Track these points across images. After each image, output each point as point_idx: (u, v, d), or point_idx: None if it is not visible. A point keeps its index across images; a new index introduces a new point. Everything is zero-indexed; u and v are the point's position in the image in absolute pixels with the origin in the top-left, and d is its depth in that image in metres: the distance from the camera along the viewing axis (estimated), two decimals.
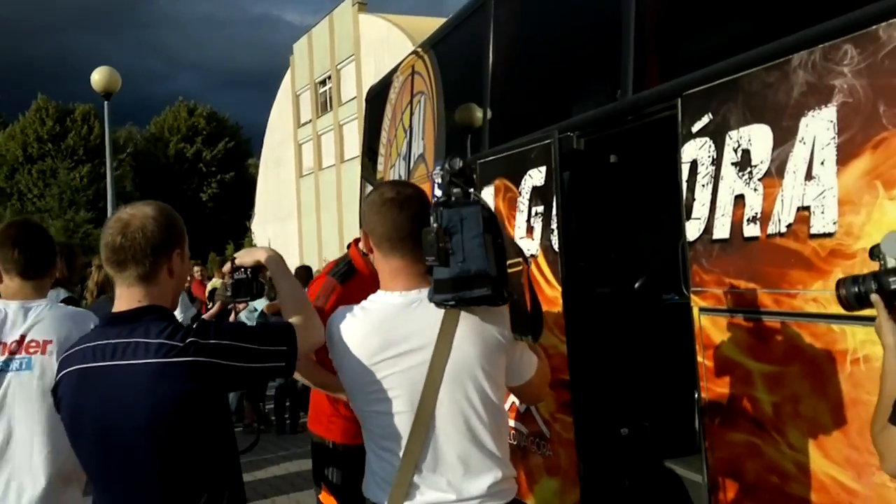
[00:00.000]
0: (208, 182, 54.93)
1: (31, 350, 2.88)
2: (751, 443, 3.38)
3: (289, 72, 46.09)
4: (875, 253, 2.16)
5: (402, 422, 2.20)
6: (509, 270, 2.16)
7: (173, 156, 54.46)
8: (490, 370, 2.22)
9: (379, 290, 2.34)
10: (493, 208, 2.23)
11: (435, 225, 2.13)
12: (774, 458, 3.25)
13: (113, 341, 2.09)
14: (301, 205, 44.27)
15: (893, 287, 2.08)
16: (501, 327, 2.24)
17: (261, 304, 9.36)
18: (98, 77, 13.15)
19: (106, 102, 13.62)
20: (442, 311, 2.18)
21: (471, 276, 2.08)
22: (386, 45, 33.26)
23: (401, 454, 2.20)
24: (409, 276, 2.27)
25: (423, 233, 2.15)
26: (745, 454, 3.42)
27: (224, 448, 2.20)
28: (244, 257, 2.60)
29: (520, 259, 2.26)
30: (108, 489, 2.13)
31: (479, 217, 2.12)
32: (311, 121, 43.14)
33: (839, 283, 2.23)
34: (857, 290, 2.15)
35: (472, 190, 2.21)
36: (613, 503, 4.63)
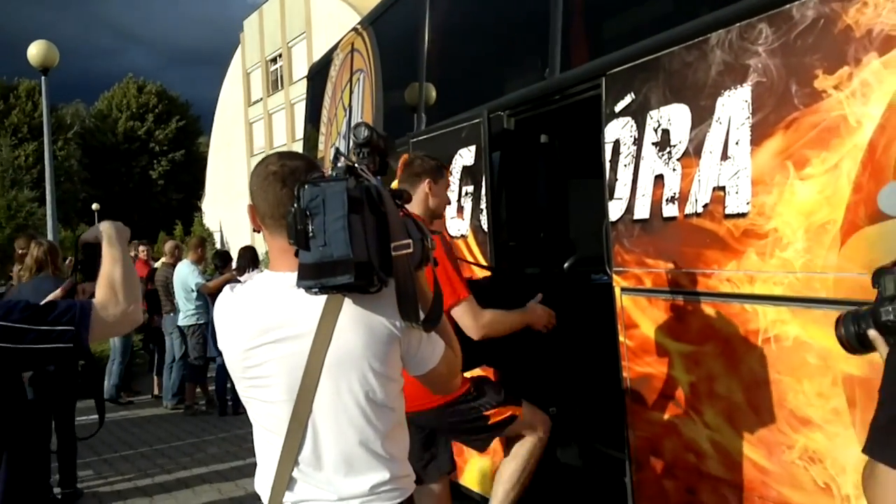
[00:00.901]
0: (158, 160, 54.16)
1: None
2: (670, 422, 3.40)
3: (239, 49, 45.47)
4: (876, 279, 1.84)
5: (281, 412, 2.04)
6: (395, 254, 1.96)
7: (122, 134, 53.54)
8: (378, 362, 2.05)
9: (266, 270, 2.19)
10: (379, 184, 2.00)
11: (294, 205, 1.95)
12: (692, 436, 3.27)
13: None
14: None
15: (885, 319, 1.79)
16: (391, 315, 2.04)
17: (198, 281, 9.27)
18: (35, 51, 12.74)
19: (43, 77, 13.22)
20: (324, 298, 2.01)
21: (333, 261, 1.90)
22: (337, 22, 32.90)
23: (280, 446, 2.05)
24: (294, 257, 2.02)
25: (286, 213, 1.99)
26: (665, 433, 3.44)
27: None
28: (87, 235, 2.49)
29: (408, 241, 1.99)
30: None
31: (342, 196, 1.91)
32: (261, 99, 42.66)
33: (838, 322, 1.93)
34: (855, 328, 1.86)
35: (357, 165, 2.01)
36: (543, 481, 4.64)
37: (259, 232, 2.20)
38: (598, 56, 3.90)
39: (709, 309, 3.13)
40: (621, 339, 3.67)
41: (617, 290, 3.66)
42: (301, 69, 37.63)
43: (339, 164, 1.99)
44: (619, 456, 4.28)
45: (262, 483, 2.12)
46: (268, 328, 2.03)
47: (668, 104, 3.29)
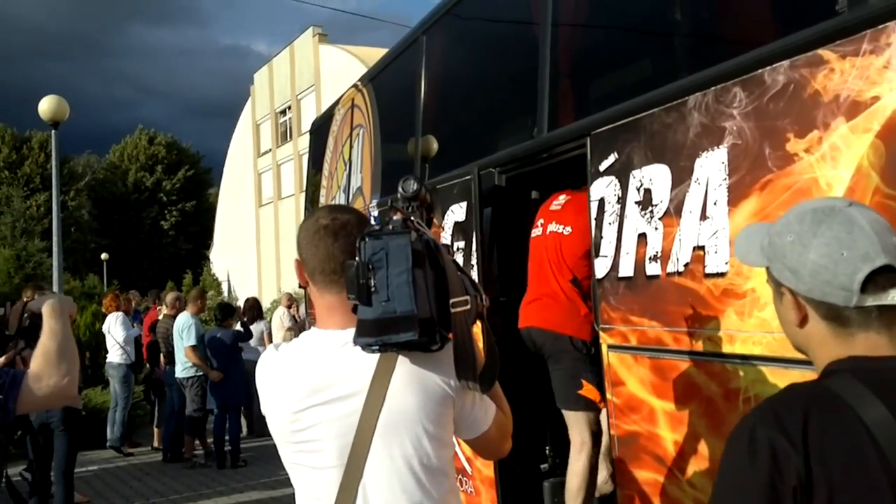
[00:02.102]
0: (169, 210, 54.60)
1: None
2: (655, 481, 3.38)
3: (249, 101, 46.02)
4: None
5: (331, 478, 1.93)
6: (453, 310, 1.87)
7: (132, 184, 54.06)
8: (432, 425, 1.95)
9: (312, 328, 2.09)
10: (438, 240, 1.95)
11: (357, 259, 1.87)
12: (677, 496, 3.25)
13: None
14: (260, 234, 44.01)
15: None
16: (447, 374, 1.94)
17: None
18: (46, 106, 12.94)
19: (53, 131, 13.43)
20: (377, 355, 1.91)
21: (395, 317, 1.81)
22: (345, 75, 33.28)
23: None
24: (345, 313, 1.96)
25: (345, 266, 1.90)
26: (650, 492, 3.42)
27: None
28: (34, 304, 2.47)
29: (467, 297, 1.90)
30: None
31: (406, 250, 1.83)
32: (270, 150, 43.06)
33: None
34: None
35: (413, 218, 1.93)
36: None
37: (305, 287, 2.12)
38: (584, 116, 3.96)
39: (691, 368, 3.14)
40: (608, 396, 3.67)
41: (604, 347, 3.67)
42: (310, 121, 37.91)
43: (394, 217, 1.92)
44: None
45: None
46: (317, 389, 1.95)
47: (649, 164, 3.34)
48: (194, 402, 9.38)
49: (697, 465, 3.13)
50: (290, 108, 41.07)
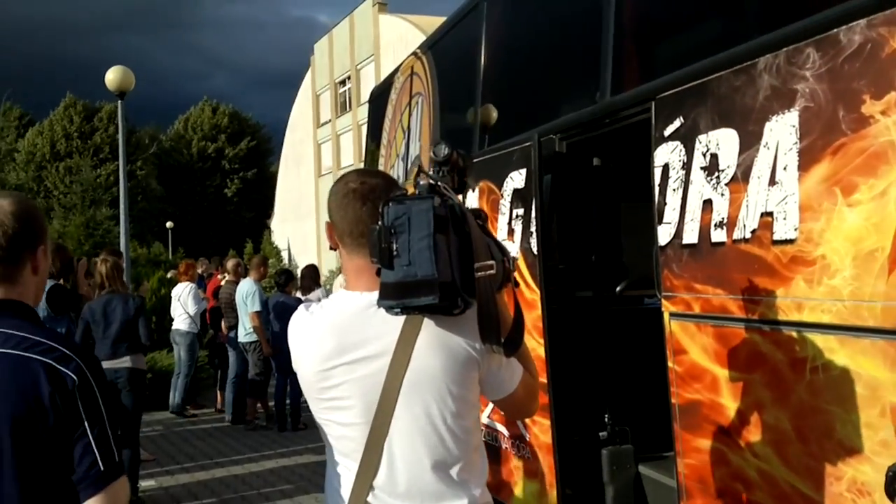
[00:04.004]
0: (231, 179, 55.47)
1: None
2: (717, 449, 3.34)
3: (309, 72, 46.28)
4: None
5: (358, 434, 1.99)
6: (477, 275, 1.88)
7: (196, 153, 54.99)
8: (456, 386, 1.99)
9: (341, 289, 2.14)
10: (468, 205, 1.98)
11: (380, 223, 1.89)
12: (739, 465, 3.21)
13: None
14: (320, 204, 44.41)
15: None
16: (471, 337, 1.97)
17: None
18: (112, 76, 13.18)
19: (120, 101, 13.67)
20: (403, 317, 1.95)
21: (416, 281, 1.83)
22: (405, 45, 33.25)
23: (356, 470, 2.00)
24: (373, 276, 1.96)
25: (369, 230, 1.93)
26: (713, 461, 3.38)
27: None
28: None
29: (492, 262, 1.92)
30: None
31: (429, 215, 1.85)
32: (330, 120, 43.31)
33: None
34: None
35: (439, 183, 1.95)
36: None
37: (336, 250, 2.16)
38: (648, 80, 3.88)
39: (756, 336, 3.08)
40: (670, 364, 3.63)
41: (666, 315, 3.62)
42: (369, 91, 38.15)
43: (421, 182, 1.94)
44: (668, 483, 4.23)
45: None
46: (345, 349, 1.99)
47: (716, 129, 3.26)
48: (257, 366, 9.57)
49: (761, 434, 3.08)
50: (349, 78, 41.20)
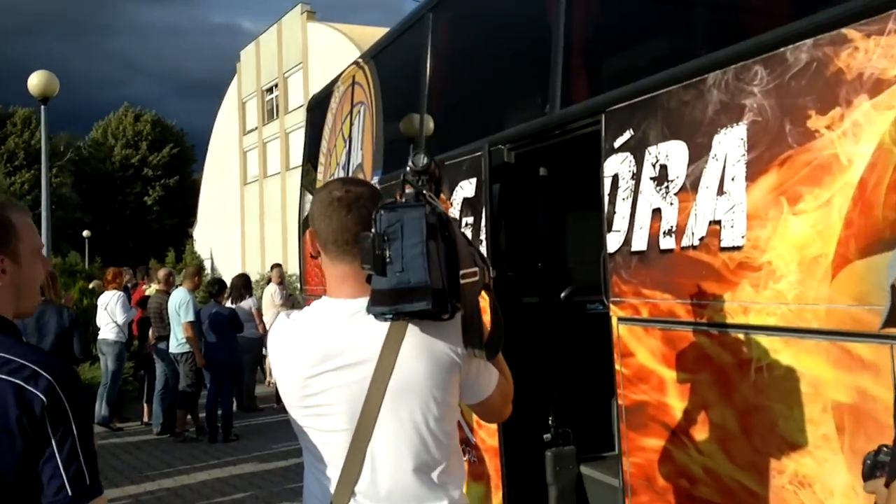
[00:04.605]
0: (152, 186, 54.33)
1: None
2: (663, 448, 3.48)
3: (235, 79, 45.75)
4: None
5: (340, 441, 2.02)
6: (462, 281, 1.94)
7: (118, 161, 53.71)
8: (440, 391, 2.03)
9: (323, 297, 2.15)
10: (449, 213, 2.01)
11: (373, 230, 1.93)
12: (685, 462, 3.35)
13: None
14: (245, 213, 43.87)
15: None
16: (454, 343, 2.03)
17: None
18: (36, 81, 12.88)
19: (43, 107, 13.34)
20: (388, 323, 1.99)
21: (410, 287, 1.88)
22: (334, 54, 33.21)
23: (337, 476, 2.03)
24: (356, 283, 2.05)
25: (360, 238, 1.97)
26: (659, 459, 3.52)
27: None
28: None
29: (475, 269, 1.98)
30: None
31: (421, 223, 1.90)
32: (256, 128, 42.86)
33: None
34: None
35: (425, 192, 2.01)
36: None
37: (317, 257, 2.19)
38: (597, 93, 4.03)
39: (703, 338, 3.23)
40: (617, 367, 3.76)
41: (614, 320, 3.76)
42: (297, 99, 37.89)
43: (407, 191, 1.99)
44: (611, 482, 4.37)
45: None
46: (329, 355, 2.02)
47: (665, 140, 3.42)
48: (188, 377, 9.45)
49: (707, 432, 3.23)
50: (276, 86, 40.88)
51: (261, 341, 11.65)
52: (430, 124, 6.29)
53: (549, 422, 4.80)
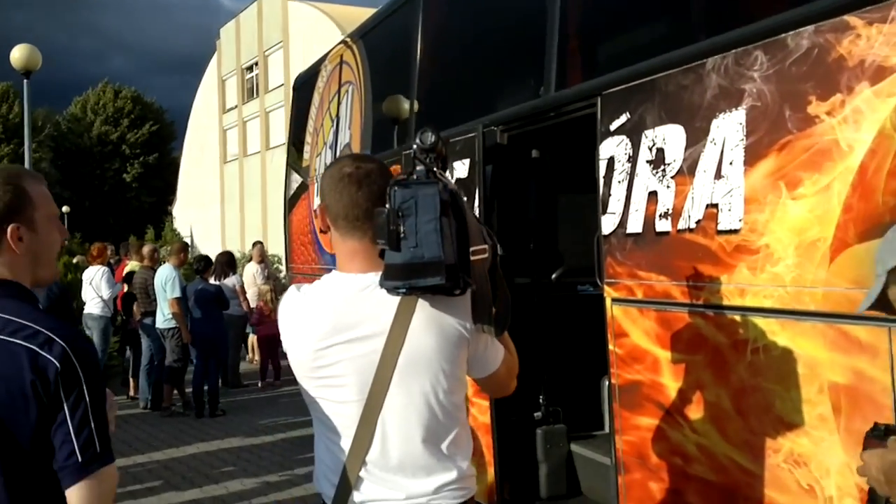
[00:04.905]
0: (131, 164, 53.82)
1: None
2: (657, 426, 3.54)
3: (215, 56, 45.32)
4: None
5: (351, 412, 2.05)
6: (472, 258, 1.98)
7: (96, 137, 53.15)
8: (448, 364, 2.07)
9: (334, 271, 2.18)
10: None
11: (387, 206, 1.95)
12: (678, 440, 3.41)
13: None
14: (224, 191, 43.62)
15: None
16: (463, 318, 2.06)
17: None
18: (18, 54, 12.72)
19: (25, 81, 13.17)
20: (398, 298, 2.02)
21: (423, 262, 1.91)
22: (315, 32, 32.96)
23: (349, 446, 2.06)
24: (366, 258, 2.09)
25: (374, 213, 1.99)
26: (652, 437, 3.58)
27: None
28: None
29: (485, 246, 2.02)
30: None
31: (435, 199, 1.93)
32: (236, 107, 42.54)
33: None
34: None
35: (436, 169, 2.02)
36: (527, 484, 4.78)
37: (326, 232, 2.20)
38: (593, 76, 4.05)
39: (699, 319, 3.28)
40: (610, 347, 3.81)
41: (608, 301, 3.80)
42: (277, 78, 37.61)
43: (418, 168, 2.00)
44: (602, 460, 4.44)
45: (325, 483, 2.14)
46: (340, 328, 2.05)
47: (663, 124, 3.45)
48: (174, 352, 9.43)
49: (702, 411, 3.29)
50: (256, 64, 40.53)
51: (244, 318, 11.64)
52: (403, 105, 6.32)
53: (540, 400, 4.86)
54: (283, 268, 13.71)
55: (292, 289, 2.22)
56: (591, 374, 4.94)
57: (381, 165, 2.21)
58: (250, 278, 12.34)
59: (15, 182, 2.00)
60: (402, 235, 1.93)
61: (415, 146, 2.08)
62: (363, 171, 2.12)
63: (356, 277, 2.10)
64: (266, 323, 11.26)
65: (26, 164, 13.08)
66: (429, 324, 2.04)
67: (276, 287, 12.10)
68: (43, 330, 1.86)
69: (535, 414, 4.83)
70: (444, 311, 2.05)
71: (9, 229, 1.95)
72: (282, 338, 2.19)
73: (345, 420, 2.08)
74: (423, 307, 2.04)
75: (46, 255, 2.08)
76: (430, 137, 2.06)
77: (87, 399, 1.84)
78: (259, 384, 11.32)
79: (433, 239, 1.92)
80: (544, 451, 4.75)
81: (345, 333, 2.04)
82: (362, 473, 2.06)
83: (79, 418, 1.81)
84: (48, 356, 1.82)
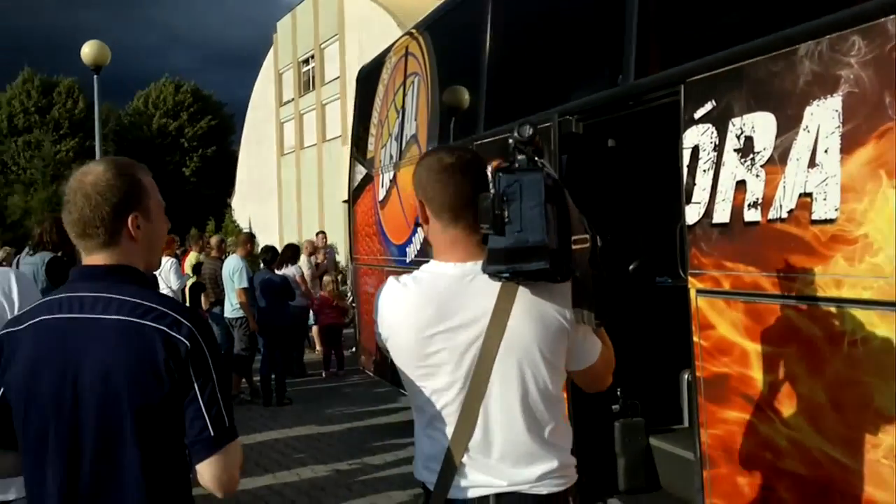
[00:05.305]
0: (190, 157, 54.72)
1: None
2: (745, 420, 3.48)
3: (272, 50, 45.75)
4: None
5: (454, 399, 2.07)
6: (574, 247, 1.99)
7: (156, 130, 54.15)
8: (548, 352, 2.07)
9: (432, 261, 2.19)
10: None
11: (492, 190, 1.97)
12: (768, 434, 3.35)
13: (82, 294, 1.98)
14: (282, 184, 44.06)
15: None
16: (563, 307, 2.07)
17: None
18: (88, 50, 13.08)
19: (95, 76, 13.51)
20: (498, 286, 2.04)
21: (528, 247, 1.91)
22: (370, 25, 33.05)
23: (450, 434, 2.07)
24: (467, 247, 2.12)
25: (479, 198, 2.00)
26: (739, 431, 3.52)
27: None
28: None
29: (586, 236, 2.04)
30: (45, 459, 1.93)
31: (540, 185, 1.93)
32: (293, 99, 42.89)
33: None
34: None
35: (537, 159, 2.03)
36: (605, 477, 4.74)
37: (426, 224, 2.21)
38: (676, 63, 3.98)
39: (791, 312, 3.22)
40: (695, 339, 3.75)
41: (692, 292, 3.74)
42: (332, 71, 37.83)
43: (519, 157, 2.01)
44: (684, 455, 4.38)
45: (427, 469, 2.15)
46: (442, 317, 2.06)
47: (751, 112, 3.38)
48: (242, 341, 9.60)
49: (794, 406, 3.22)
50: (312, 57, 40.81)
51: (306, 309, 11.77)
52: (464, 96, 6.31)
53: (618, 393, 4.82)
54: (339, 257, 13.79)
55: (392, 280, 2.23)
56: (668, 368, 4.89)
57: (475, 154, 2.25)
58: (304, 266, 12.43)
59: (130, 172, 2.08)
60: (506, 220, 1.94)
61: (512, 140, 2.07)
62: (464, 160, 2.15)
63: (457, 266, 2.12)
64: (327, 313, 11.37)
65: (96, 157, 13.36)
66: (529, 312, 2.05)
67: (337, 277, 12.20)
68: (170, 312, 1.94)
69: (613, 407, 4.79)
70: (545, 299, 2.06)
71: (129, 218, 2.03)
72: (380, 328, 2.21)
73: (447, 408, 2.09)
74: (523, 295, 2.05)
75: (157, 243, 2.18)
76: (528, 130, 2.07)
77: (214, 376, 1.93)
78: (323, 374, 11.45)
79: (538, 224, 1.92)
80: (622, 445, 4.72)
81: (447, 322, 2.06)
82: (465, 460, 2.08)
83: (208, 395, 1.90)
84: (178, 336, 1.90)
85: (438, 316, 2.07)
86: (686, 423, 4.87)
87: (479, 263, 2.05)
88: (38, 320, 1.97)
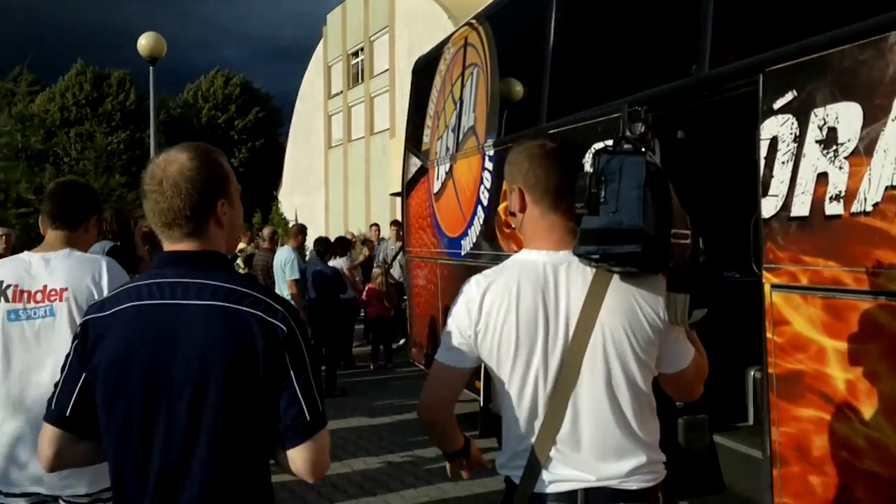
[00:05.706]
0: (239, 149, 55.34)
1: (52, 298, 2.94)
2: (820, 418, 3.40)
3: (321, 42, 46.02)
4: None
5: (542, 391, 2.03)
6: (672, 240, 1.91)
7: (206, 122, 54.85)
8: (638, 347, 2.01)
9: (523, 249, 2.15)
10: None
11: (590, 170, 1.93)
12: (845, 433, 3.27)
13: (173, 280, 1.96)
14: (329, 176, 44.32)
15: None
16: (655, 304, 2.02)
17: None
18: (144, 42, 13.26)
19: (151, 68, 13.70)
20: (591, 277, 2.00)
21: (621, 229, 1.86)
22: (421, 17, 33.07)
23: (539, 426, 2.04)
24: (563, 234, 2.08)
25: (577, 177, 1.96)
26: (813, 429, 3.43)
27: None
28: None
29: (688, 232, 1.96)
30: (132, 443, 1.89)
31: (641, 168, 1.88)
32: (341, 92, 43.10)
33: None
34: None
35: (643, 149, 1.99)
36: (668, 474, 4.67)
37: (521, 212, 2.16)
38: (751, 53, 3.89)
39: (875, 308, 3.13)
40: (768, 335, 3.67)
41: (766, 287, 3.66)
42: (382, 63, 37.93)
43: (625, 146, 1.97)
44: (752, 453, 4.30)
45: (512, 463, 2.11)
46: (535, 307, 2.02)
47: (835, 102, 3.29)
48: None
49: (874, 403, 3.13)
50: (362, 49, 40.96)
51: (355, 302, 11.79)
52: (517, 88, 6.25)
53: None
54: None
55: (475, 280, 2.16)
56: (732, 364, 4.80)
57: (570, 141, 2.25)
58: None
59: (214, 158, 2.05)
60: (602, 200, 1.90)
61: (626, 137, 2.04)
62: (566, 145, 2.15)
63: (550, 255, 2.08)
64: (375, 305, 11.38)
65: (152, 148, 13.57)
66: (621, 305, 2.00)
67: (386, 269, 12.16)
68: (264, 298, 1.93)
69: (677, 403, 4.71)
70: (638, 294, 2.01)
71: (218, 205, 2.01)
72: (466, 319, 2.11)
73: (536, 400, 2.05)
74: (615, 288, 2.01)
75: (238, 228, 2.16)
76: (640, 127, 2.08)
77: (308, 362, 1.91)
78: (371, 367, 11.47)
79: (634, 206, 1.87)
80: (686, 441, 4.64)
81: (540, 312, 2.02)
82: (552, 453, 2.04)
83: (303, 381, 1.89)
84: (275, 321, 1.89)
85: (531, 306, 2.03)
86: (751, 421, 4.78)
87: (571, 252, 2.02)
88: (127, 306, 1.95)
